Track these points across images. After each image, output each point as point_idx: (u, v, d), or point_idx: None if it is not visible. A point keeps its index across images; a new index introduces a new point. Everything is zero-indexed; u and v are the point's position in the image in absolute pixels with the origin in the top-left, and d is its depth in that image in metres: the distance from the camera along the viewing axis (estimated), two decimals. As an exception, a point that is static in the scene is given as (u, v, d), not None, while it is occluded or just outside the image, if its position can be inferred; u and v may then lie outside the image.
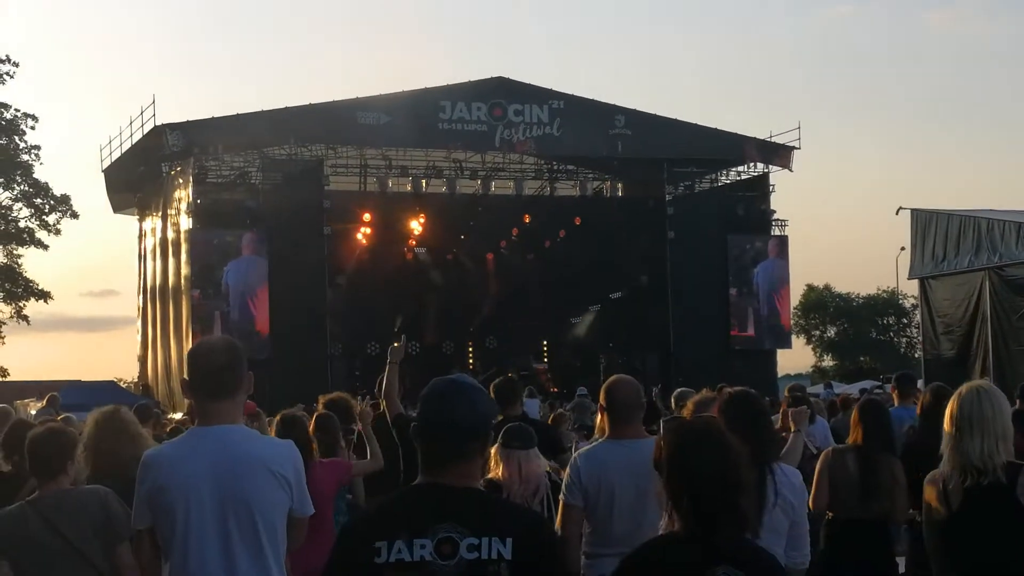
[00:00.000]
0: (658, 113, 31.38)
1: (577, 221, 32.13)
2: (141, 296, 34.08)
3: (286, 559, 4.09)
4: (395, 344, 8.10)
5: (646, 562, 3.11)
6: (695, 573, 2.97)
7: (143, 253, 33.83)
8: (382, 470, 7.31)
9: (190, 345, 26.57)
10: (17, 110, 39.05)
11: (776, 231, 32.02)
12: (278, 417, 6.86)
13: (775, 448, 5.02)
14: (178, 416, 17.30)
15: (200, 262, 26.72)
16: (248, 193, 27.58)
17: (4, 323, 41.26)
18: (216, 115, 27.86)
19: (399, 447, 7.41)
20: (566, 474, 5.52)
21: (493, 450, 5.63)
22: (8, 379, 41.14)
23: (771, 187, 31.90)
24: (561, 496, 5.47)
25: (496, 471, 5.61)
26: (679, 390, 10.65)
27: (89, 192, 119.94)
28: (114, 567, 4.85)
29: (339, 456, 7.17)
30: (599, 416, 5.73)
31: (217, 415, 3.99)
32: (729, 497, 3.05)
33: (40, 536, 4.83)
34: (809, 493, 5.93)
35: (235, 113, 28.05)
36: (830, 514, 6.70)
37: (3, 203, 40.20)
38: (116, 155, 31.51)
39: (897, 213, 26.06)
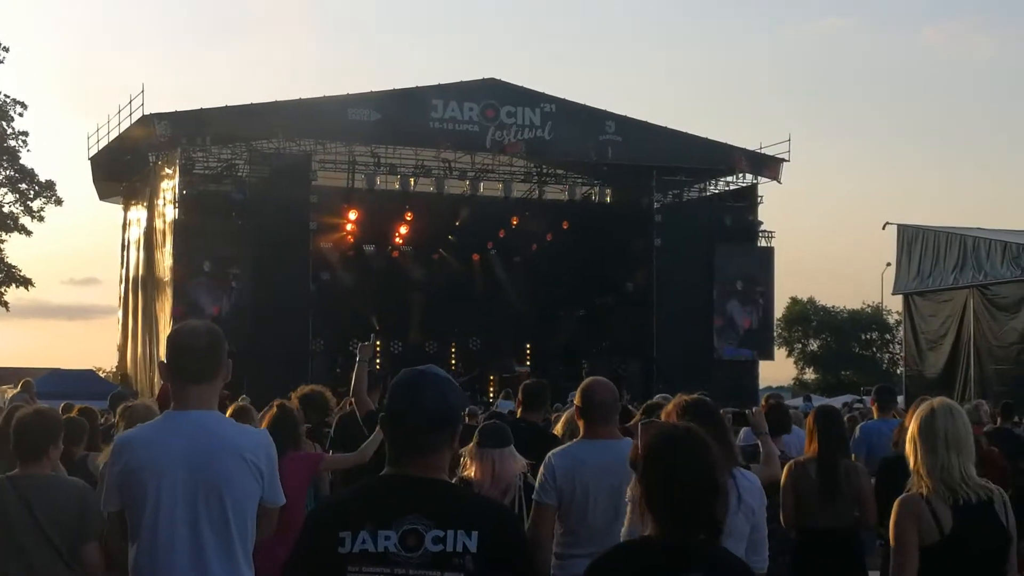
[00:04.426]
0: (649, 120, 31.44)
1: (565, 225, 32.11)
2: (123, 285, 33.90)
3: (257, 553, 4.05)
4: (364, 343, 8.10)
5: (616, 566, 3.06)
6: None
7: (127, 242, 33.66)
8: (363, 466, 7.23)
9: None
10: (6, 96, 38.96)
11: (763, 242, 32.05)
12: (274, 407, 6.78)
13: (733, 453, 5.00)
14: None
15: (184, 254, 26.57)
16: (235, 185, 27.45)
17: (-17, 309, 41.03)
18: (205, 107, 27.79)
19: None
20: (540, 473, 5.49)
21: (468, 449, 5.59)
22: (-14, 365, 40.88)
23: (759, 198, 31.93)
24: (534, 495, 5.43)
25: (469, 470, 5.57)
26: (656, 397, 10.55)
27: (75, 179, 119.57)
28: (81, 563, 4.83)
29: (303, 449, 7.06)
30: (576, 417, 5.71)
31: (193, 399, 3.98)
32: (706, 503, 3.01)
33: (13, 512, 4.84)
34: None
35: (224, 105, 27.98)
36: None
37: (-12, 188, 40.04)
38: (103, 143, 31.37)
39: (884, 228, 26.19)
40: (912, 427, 4.34)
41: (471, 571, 2.89)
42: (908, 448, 4.33)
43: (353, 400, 7.90)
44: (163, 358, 4.14)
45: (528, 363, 34.43)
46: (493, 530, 2.95)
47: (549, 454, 5.68)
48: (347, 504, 3.06)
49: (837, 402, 26.82)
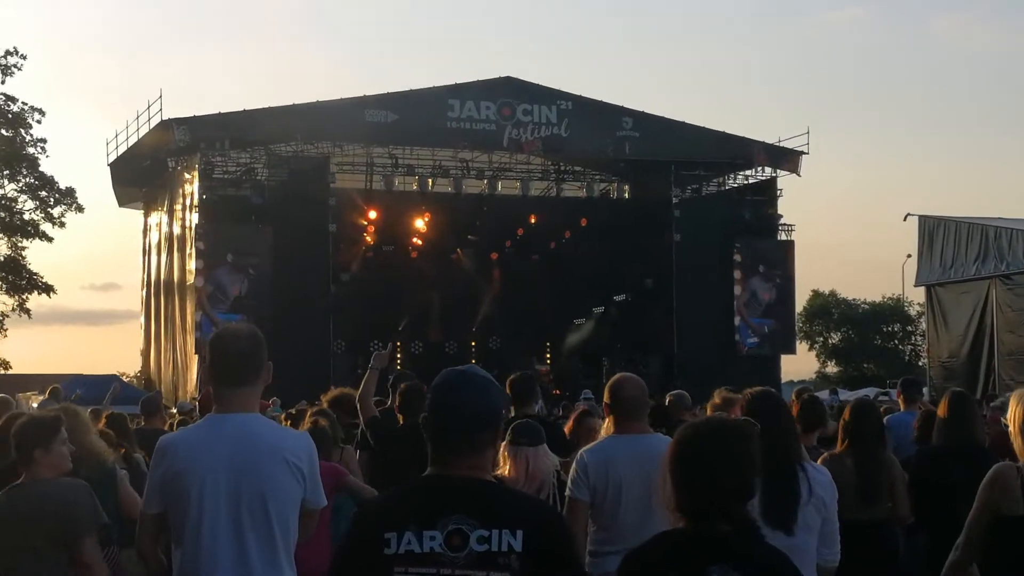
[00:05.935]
0: (666, 115, 31.35)
1: (583, 222, 32.10)
2: (145, 290, 34.07)
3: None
4: (381, 350, 8.24)
5: (648, 558, 3.08)
6: (693, 571, 2.94)
7: (148, 247, 33.83)
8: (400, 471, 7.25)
9: (192, 341, 26.63)
10: (24, 103, 39.10)
11: (783, 236, 31.93)
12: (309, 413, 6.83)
13: (799, 444, 4.99)
14: (173, 411, 17.20)
15: (205, 257, 26.70)
16: (254, 189, 27.54)
17: (7, 316, 41.24)
18: (223, 111, 27.88)
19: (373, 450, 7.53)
20: (572, 469, 5.49)
21: (501, 446, 5.60)
22: (10, 372, 41.07)
23: (779, 192, 31.79)
24: (567, 492, 5.44)
25: (504, 468, 5.57)
26: (674, 392, 10.57)
27: (94, 185, 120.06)
28: (77, 562, 4.79)
29: (332, 458, 7.07)
30: (604, 417, 5.71)
31: (236, 402, 4.00)
32: (726, 497, 3.02)
33: (5, 522, 4.82)
34: None
35: (242, 109, 28.08)
36: None
37: (9, 195, 40.22)
38: (122, 149, 31.51)
39: (905, 219, 26.10)
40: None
41: (517, 570, 2.90)
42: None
43: (359, 404, 8.00)
44: (207, 361, 4.14)
45: (548, 361, 34.45)
46: (538, 528, 2.96)
47: (581, 450, 5.69)
48: (391, 505, 3.08)
49: (860, 395, 26.73)
